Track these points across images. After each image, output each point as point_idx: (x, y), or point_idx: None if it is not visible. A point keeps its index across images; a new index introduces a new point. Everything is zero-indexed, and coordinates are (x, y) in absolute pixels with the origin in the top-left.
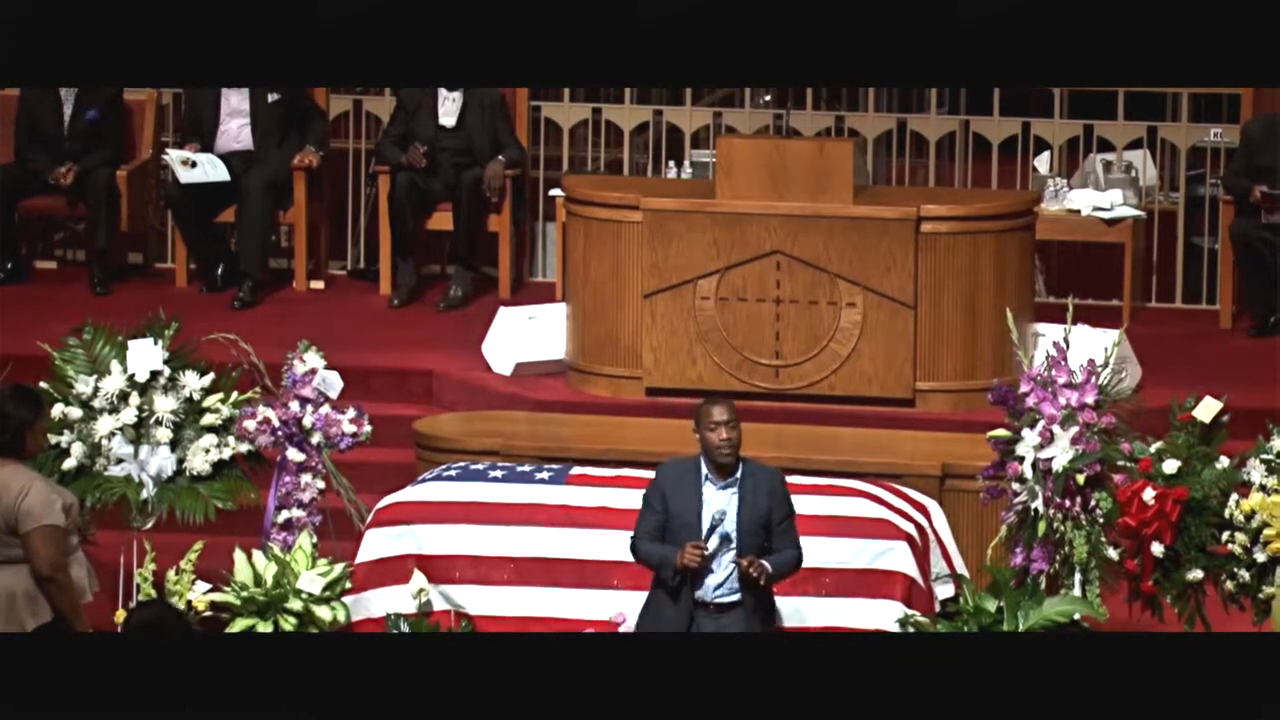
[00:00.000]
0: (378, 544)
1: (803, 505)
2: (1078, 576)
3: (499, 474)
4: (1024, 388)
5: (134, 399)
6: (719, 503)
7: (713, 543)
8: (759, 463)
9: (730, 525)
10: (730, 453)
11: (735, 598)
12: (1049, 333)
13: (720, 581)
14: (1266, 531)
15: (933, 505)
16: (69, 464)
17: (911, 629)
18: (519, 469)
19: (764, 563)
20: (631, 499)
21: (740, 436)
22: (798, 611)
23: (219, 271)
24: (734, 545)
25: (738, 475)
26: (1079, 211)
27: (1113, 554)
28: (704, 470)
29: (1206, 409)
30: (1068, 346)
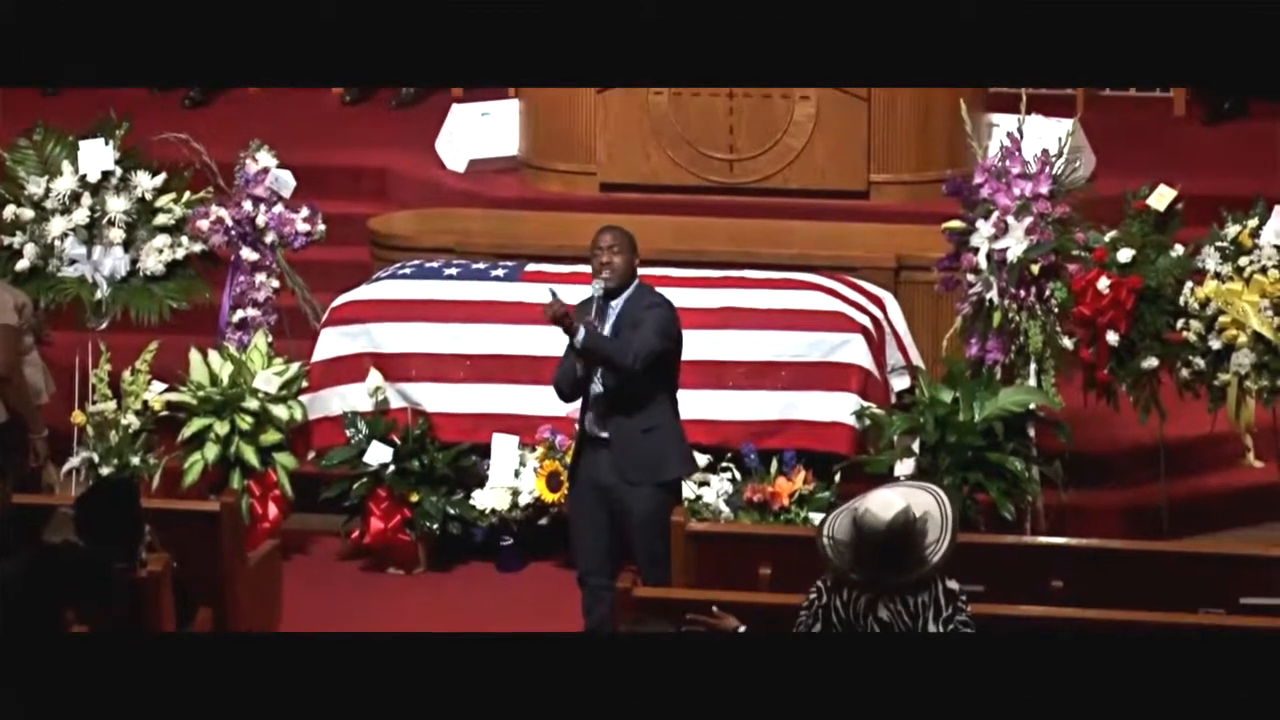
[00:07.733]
0: (333, 342)
1: (757, 299)
2: (1033, 366)
3: (454, 271)
4: (978, 179)
5: (86, 199)
6: (606, 317)
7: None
8: (659, 294)
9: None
10: (610, 277)
11: (606, 434)
12: (1003, 123)
13: (595, 417)
14: (1221, 319)
15: (888, 297)
16: (22, 265)
17: (868, 421)
18: (474, 266)
19: (586, 327)
20: (587, 295)
21: (624, 263)
22: (755, 405)
23: None
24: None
25: (624, 296)
26: None
27: (1068, 343)
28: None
29: (1160, 197)
30: (1021, 136)
